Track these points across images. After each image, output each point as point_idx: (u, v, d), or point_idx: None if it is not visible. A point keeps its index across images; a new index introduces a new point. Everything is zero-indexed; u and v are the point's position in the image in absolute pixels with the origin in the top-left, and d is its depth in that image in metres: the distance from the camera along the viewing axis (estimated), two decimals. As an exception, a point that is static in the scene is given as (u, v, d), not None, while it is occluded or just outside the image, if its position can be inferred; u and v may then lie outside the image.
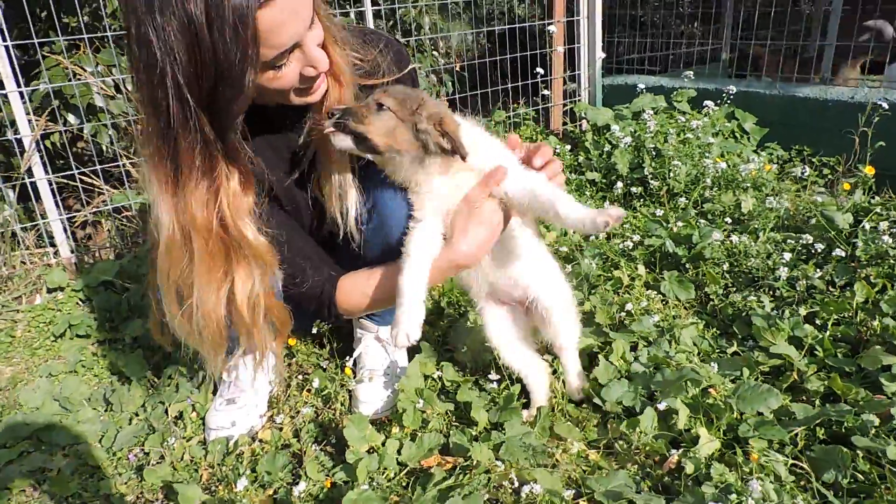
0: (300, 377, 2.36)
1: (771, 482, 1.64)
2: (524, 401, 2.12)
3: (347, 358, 2.26)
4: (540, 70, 4.53)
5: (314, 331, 2.25)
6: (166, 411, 2.22)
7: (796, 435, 1.84)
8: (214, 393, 2.27)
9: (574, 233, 3.22)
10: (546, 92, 4.66)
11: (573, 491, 1.74)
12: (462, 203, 1.79)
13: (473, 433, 1.99)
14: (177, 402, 2.24)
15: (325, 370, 2.30)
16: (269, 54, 1.48)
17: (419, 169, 1.77)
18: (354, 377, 2.25)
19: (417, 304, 1.70)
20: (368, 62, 1.91)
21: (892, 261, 2.43)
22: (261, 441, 2.09)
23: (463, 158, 1.71)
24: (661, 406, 1.88)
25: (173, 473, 1.97)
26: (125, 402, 2.25)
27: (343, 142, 1.75)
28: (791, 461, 1.73)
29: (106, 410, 2.28)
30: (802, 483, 1.71)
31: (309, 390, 2.27)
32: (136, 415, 2.24)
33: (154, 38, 1.34)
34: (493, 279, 1.97)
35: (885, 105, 3.31)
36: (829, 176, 3.78)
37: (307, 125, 1.86)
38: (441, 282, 2.01)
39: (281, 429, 2.13)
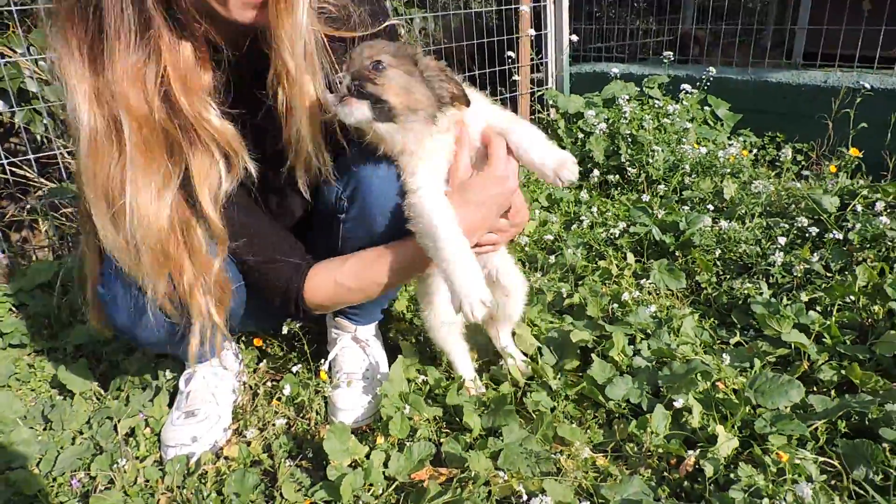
0: (269, 383, 2.11)
1: (802, 481, 1.50)
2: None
3: (322, 361, 2.03)
4: (511, 54, 4.36)
5: (284, 330, 2.00)
6: (115, 428, 1.94)
7: (816, 429, 1.71)
8: (171, 405, 2.01)
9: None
10: (516, 78, 4.49)
11: (587, 502, 1.57)
12: (450, 180, 1.60)
13: (467, 440, 1.80)
14: (127, 416, 1.96)
15: (296, 375, 2.07)
16: None
17: (428, 131, 1.53)
18: (330, 382, 2.03)
19: (470, 260, 1.48)
20: (339, 9, 1.62)
21: (889, 242, 2.34)
22: (227, 458, 1.84)
23: (468, 105, 1.51)
24: (678, 403, 1.71)
25: (125, 500, 1.70)
26: (67, 418, 1.96)
27: (359, 111, 1.46)
28: (821, 459, 1.59)
29: (45, 429, 1.98)
30: (833, 482, 1.57)
31: (279, 398, 2.03)
32: (81, 433, 1.95)
33: None
34: None
35: (868, 86, 3.26)
36: (803, 162, 3.73)
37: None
38: (416, 272, 1.75)
39: (249, 443, 1.88)
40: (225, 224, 1.53)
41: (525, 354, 2.15)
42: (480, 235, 1.65)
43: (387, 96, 1.45)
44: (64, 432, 1.93)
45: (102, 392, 2.11)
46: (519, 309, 2.05)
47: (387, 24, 1.70)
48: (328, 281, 1.70)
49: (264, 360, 2.23)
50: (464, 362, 2.04)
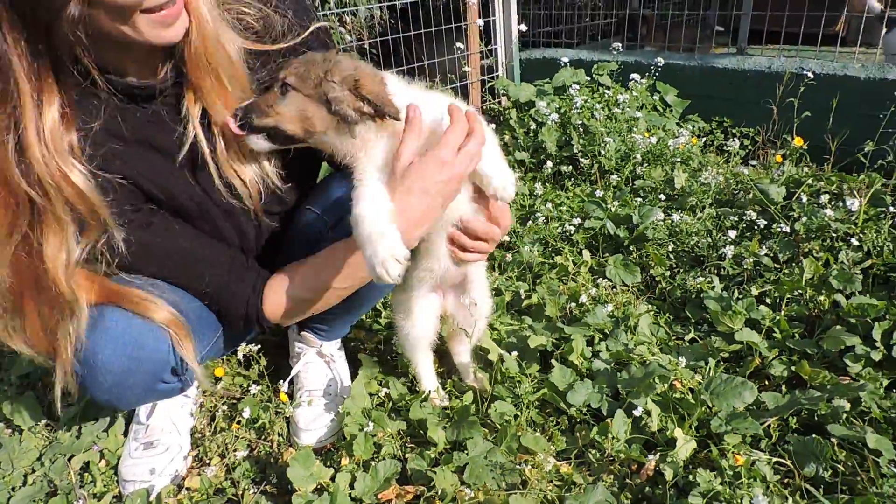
0: (225, 407, 2.06)
1: (757, 484, 1.55)
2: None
3: (281, 382, 1.99)
4: (460, 45, 4.31)
5: (240, 355, 1.96)
6: (69, 463, 1.87)
7: (769, 426, 1.77)
8: (126, 433, 1.94)
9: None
10: (467, 69, 4.45)
11: (552, 514, 1.59)
12: (392, 168, 1.47)
13: (433, 455, 1.80)
14: (81, 451, 1.89)
15: (255, 396, 2.02)
16: None
17: (353, 141, 1.49)
18: (291, 400, 2.00)
19: (383, 224, 1.39)
20: (258, 19, 1.52)
21: (832, 234, 2.42)
22: (188, 490, 1.79)
23: (395, 118, 1.42)
24: (637, 412, 1.75)
25: (84, 540, 1.66)
26: (16, 457, 1.88)
27: (258, 143, 1.48)
28: (774, 459, 1.64)
29: (-7, 468, 1.91)
30: (786, 481, 1.63)
31: (239, 422, 1.98)
32: (33, 471, 1.88)
33: None
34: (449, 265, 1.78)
35: (811, 74, 3.33)
36: (750, 146, 3.81)
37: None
38: (364, 274, 1.57)
39: (211, 471, 1.84)
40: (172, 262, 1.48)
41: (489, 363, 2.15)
42: (428, 228, 1.52)
43: (282, 125, 1.45)
44: (14, 472, 1.85)
45: (53, 425, 2.03)
46: (482, 325, 2.02)
47: (314, 27, 1.61)
48: (282, 295, 1.63)
49: (221, 381, 2.18)
50: (429, 374, 2.04)
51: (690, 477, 1.61)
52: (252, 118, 1.43)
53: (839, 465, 1.64)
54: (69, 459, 1.87)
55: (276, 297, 1.64)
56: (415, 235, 1.51)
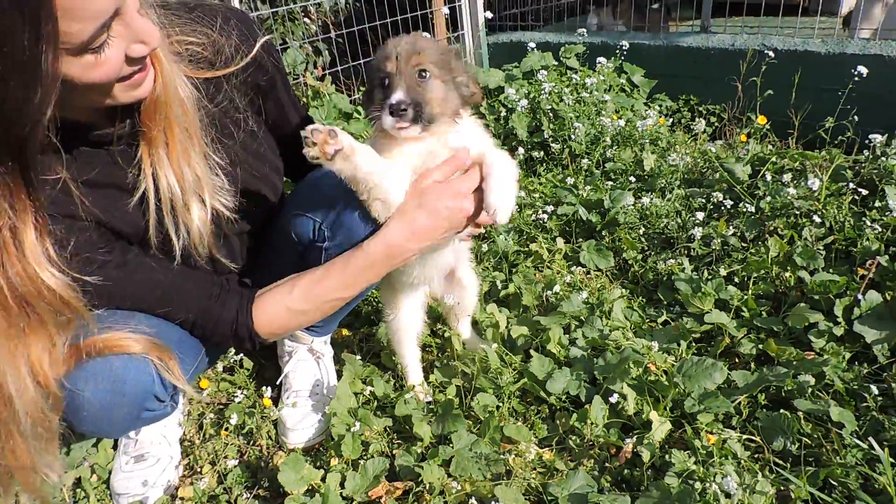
0: (213, 414, 2.09)
1: (729, 462, 1.63)
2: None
3: (265, 388, 2.02)
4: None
5: (219, 367, 1.98)
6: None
7: (739, 404, 1.85)
8: (115, 446, 1.97)
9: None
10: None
11: (536, 503, 1.66)
12: (414, 182, 1.59)
13: (419, 450, 1.86)
14: (73, 467, 1.91)
15: (240, 403, 2.06)
16: (85, 31, 1.07)
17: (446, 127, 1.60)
18: (278, 402, 2.04)
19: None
20: (205, 47, 1.52)
21: (796, 212, 2.50)
22: (182, 499, 1.83)
23: (482, 100, 1.66)
24: (613, 399, 1.81)
25: (81, 556, 1.69)
26: (6, 475, 1.90)
27: (412, 131, 1.54)
28: (744, 436, 1.72)
29: (-18, 488, 1.92)
30: (756, 456, 1.72)
31: (227, 428, 2.02)
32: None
33: None
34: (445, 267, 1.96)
35: (772, 53, 3.40)
36: (716, 124, 3.89)
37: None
38: (368, 281, 1.67)
39: (203, 479, 1.88)
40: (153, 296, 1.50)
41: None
42: (425, 248, 1.63)
43: (430, 110, 1.53)
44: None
45: (41, 441, 2.04)
46: (473, 301, 2.18)
47: (261, 42, 1.62)
48: (279, 310, 1.65)
49: (207, 390, 2.20)
50: (416, 368, 2.11)
51: (667, 457, 1.68)
52: (422, 109, 1.51)
53: (806, 439, 1.72)
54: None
55: (270, 312, 1.65)
56: (412, 248, 1.60)
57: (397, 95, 1.49)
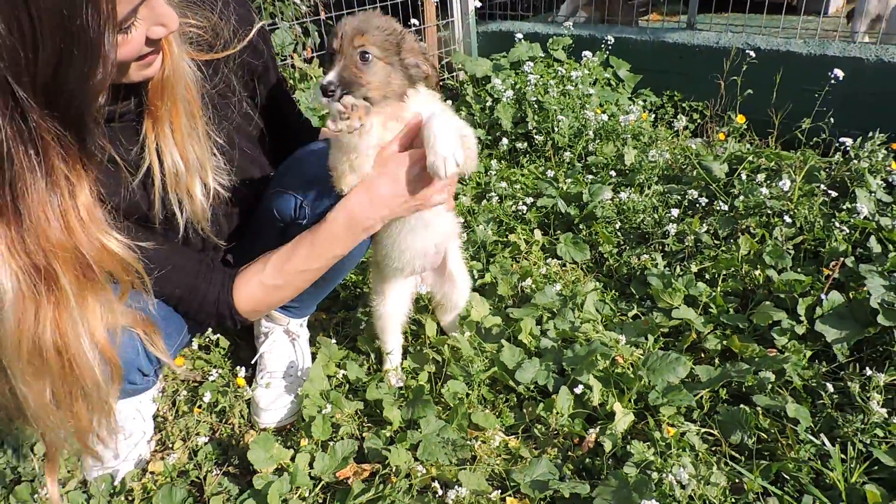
0: (186, 391, 2.12)
1: (686, 454, 1.68)
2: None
3: (239, 368, 2.05)
4: (415, 21, 4.30)
5: (194, 345, 2.01)
6: (32, 451, 1.91)
7: (701, 398, 1.90)
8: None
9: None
10: (422, 43, 4.44)
11: (499, 488, 1.70)
12: (376, 156, 1.61)
13: (388, 434, 1.90)
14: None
15: (214, 382, 2.09)
16: (123, 11, 1.13)
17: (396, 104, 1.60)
18: (251, 382, 2.06)
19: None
20: (206, 29, 1.57)
21: (769, 211, 2.54)
22: (152, 473, 1.86)
23: (436, 83, 1.62)
24: (577, 390, 1.86)
25: (51, 528, 1.71)
26: (-22, 448, 1.92)
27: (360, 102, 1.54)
28: (703, 430, 1.78)
29: (-46, 460, 1.94)
30: (714, 449, 1.77)
31: (200, 406, 2.05)
32: (-7, 460, 1.92)
33: None
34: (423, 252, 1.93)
35: (753, 53, 3.43)
36: (699, 120, 3.93)
37: None
38: (333, 252, 1.69)
39: (174, 454, 1.91)
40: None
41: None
42: (388, 216, 1.65)
43: (370, 93, 1.52)
44: (-24, 463, 1.89)
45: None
46: (464, 298, 2.21)
47: (258, 26, 1.67)
48: (254, 286, 1.70)
49: (182, 367, 2.23)
50: (396, 354, 2.16)
51: (628, 448, 1.73)
52: (353, 90, 1.49)
53: (762, 433, 1.78)
54: (31, 447, 1.91)
55: (247, 289, 1.70)
56: (372, 216, 1.62)
57: (328, 76, 1.50)
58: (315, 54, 4.37)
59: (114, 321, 1.35)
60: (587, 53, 3.95)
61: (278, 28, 4.32)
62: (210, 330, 2.03)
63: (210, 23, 1.57)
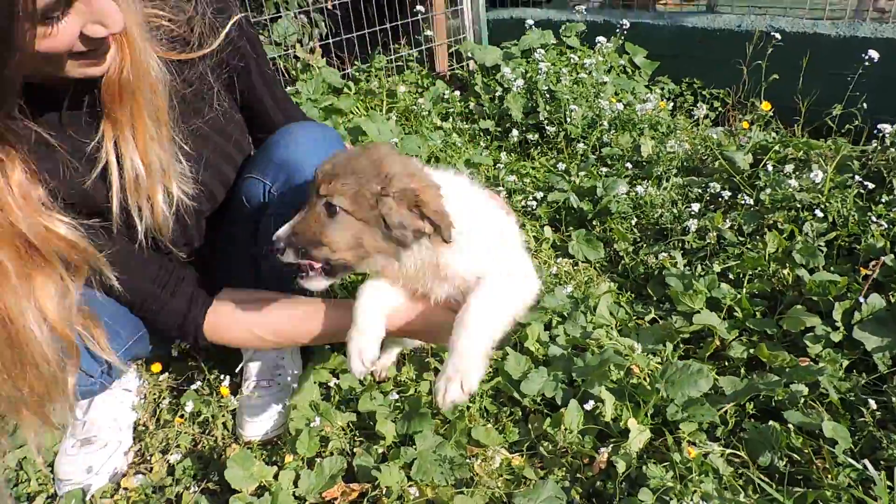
0: (167, 400, 1.98)
1: (709, 478, 1.51)
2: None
3: (223, 376, 1.91)
4: (420, 8, 4.13)
5: (174, 353, 1.88)
6: (3, 460, 1.80)
7: (726, 413, 1.73)
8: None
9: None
10: (429, 32, 4.28)
11: (500, 514, 1.55)
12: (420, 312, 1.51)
13: (380, 450, 1.74)
14: (15, 447, 1.81)
15: (198, 392, 1.95)
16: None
17: (398, 263, 1.40)
18: (240, 388, 1.93)
19: (375, 321, 1.41)
20: (181, 24, 1.44)
21: (798, 205, 2.35)
22: (126, 490, 1.73)
23: (446, 241, 1.31)
24: (588, 404, 1.69)
25: (16, 551, 1.59)
26: (-55, 460, 1.81)
27: (316, 282, 1.38)
28: (728, 450, 1.60)
29: (-78, 473, 1.82)
30: (740, 472, 1.59)
31: (182, 415, 1.91)
32: (-38, 474, 1.80)
33: None
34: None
35: (779, 35, 3.22)
36: (720, 109, 3.72)
37: None
38: (338, 339, 1.58)
39: (152, 468, 1.78)
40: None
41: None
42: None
43: (333, 255, 1.33)
44: (-58, 477, 1.78)
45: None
46: None
47: (235, 19, 1.54)
48: (241, 329, 1.61)
49: (165, 372, 2.09)
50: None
51: (644, 470, 1.56)
52: (305, 250, 1.32)
53: (795, 455, 1.60)
54: (2, 457, 1.80)
55: (230, 324, 1.61)
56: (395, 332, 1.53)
57: (280, 230, 1.33)
58: (318, 44, 4.21)
59: (69, 301, 1.31)
60: (601, 39, 3.76)
61: (281, 17, 4.18)
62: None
63: (186, 15, 1.44)
